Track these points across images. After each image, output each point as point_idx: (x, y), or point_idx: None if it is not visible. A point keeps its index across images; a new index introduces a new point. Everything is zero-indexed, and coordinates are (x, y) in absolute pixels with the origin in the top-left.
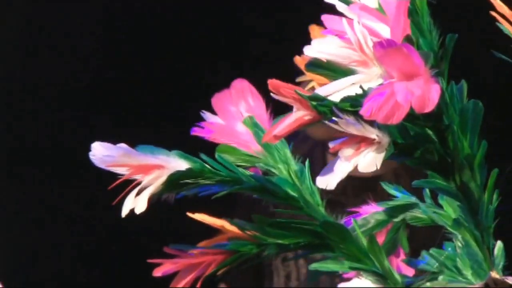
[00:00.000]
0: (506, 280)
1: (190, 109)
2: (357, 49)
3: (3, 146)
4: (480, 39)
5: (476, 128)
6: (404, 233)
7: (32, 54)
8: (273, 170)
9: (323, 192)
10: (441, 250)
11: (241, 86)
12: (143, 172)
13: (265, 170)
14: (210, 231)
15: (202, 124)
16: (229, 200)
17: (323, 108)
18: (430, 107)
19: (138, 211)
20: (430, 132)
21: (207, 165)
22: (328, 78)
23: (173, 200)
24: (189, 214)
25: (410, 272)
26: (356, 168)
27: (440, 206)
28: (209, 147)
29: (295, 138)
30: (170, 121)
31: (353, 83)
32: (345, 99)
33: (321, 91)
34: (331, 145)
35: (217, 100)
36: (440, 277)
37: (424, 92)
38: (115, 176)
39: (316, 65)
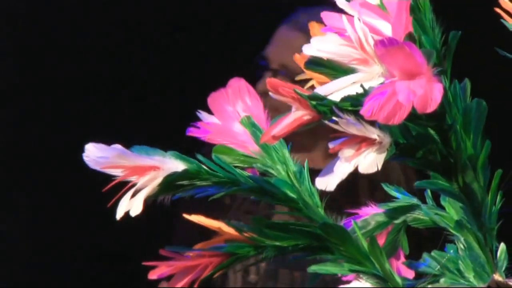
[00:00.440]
0: (509, 282)
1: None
2: (358, 47)
3: None
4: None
5: (480, 128)
6: (404, 235)
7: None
8: (271, 171)
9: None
10: (443, 252)
11: (238, 85)
12: (138, 173)
13: (263, 171)
14: None
15: (198, 124)
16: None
17: (323, 108)
18: (432, 106)
19: (133, 213)
20: (432, 132)
21: (203, 166)
22: (328, 76)
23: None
24: (185, 216)
25: (410, 274)
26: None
27: (442, 208)
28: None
29: None
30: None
31: (353, 82)
32: (345, 99)
33: (320, 90)
34: (330, 145)
35: (213, 99)
36: (442, 280)
37: (426, 91)
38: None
39: (315, 64)
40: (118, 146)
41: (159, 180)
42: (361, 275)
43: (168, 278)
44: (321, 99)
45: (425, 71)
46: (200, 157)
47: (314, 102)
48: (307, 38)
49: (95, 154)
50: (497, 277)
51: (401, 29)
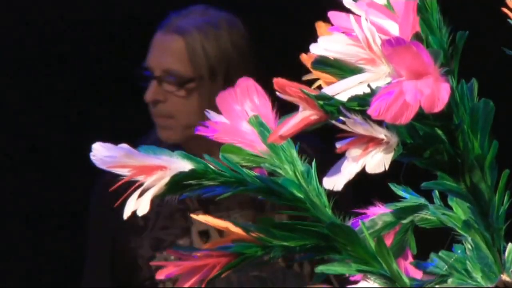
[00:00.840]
0: None
1: None
2: (365, 46)
3: None
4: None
5: (487, 128)
6: (412, 235)
7: None
8: (279, 170)
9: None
10: (451, 253)
11: (246, 85)
12: (145, 173)
13: (270, 170)
14: None
15: (206, 123)
16: None
17: (330, 108)
18: (439, 106)
19: (140, 213)
20: (439, 132)
21: (210, 166)
22: (335, 76)
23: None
24: (193, 216)
25: (418, 274)
26: None
27: (450, 208)
28: None
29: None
30: None
31: (360, 82)
32: (352, 98)
33: (328, 90)
34: (338, 145)
35: (221, 99)
36: (449, 280)
37: (433, 91)
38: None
39: (322, 63)
40: (125, 146)
41: (166, 179)
42: (368, 275)
43: None
44: (328, 99)
45: (432, 71)
46: (207, 157)
47: (321, 102)
48: (184, 38)
49: (102, 153)
50: (505, 277)
51: (408, 29)
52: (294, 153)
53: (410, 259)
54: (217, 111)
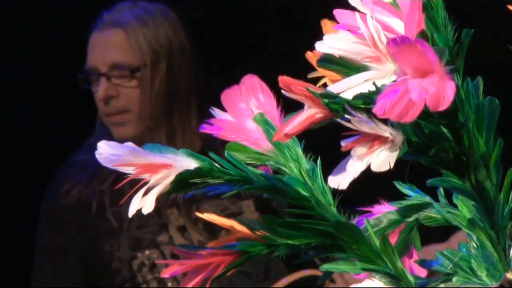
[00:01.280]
0: None
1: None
2: (371, 44)
3: None
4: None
5: (492, 126)
6: (417, 233)
7: None
8: (284, 168)
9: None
10: (455, 251)
11: (251, 82)
12: (151, 171)
13: (275, 168)
14: None
15: (211, 121)
16: None
17: (335, 106)
18: (445, 104)
19: (145, 211)
20: (445, 130)
21: (216, 164)
22: (340, 74)
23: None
24: (198, 214)
25: (423, 273)
26: None
27: (455, 206)
28: None
29: None
30: None
31: (366, 80)
32: (357, 97)
33: (333, 88)
34: (343, 143)
35: (226, 96)
36: (454, 278)
37: (439, 89)
38: None
39: (328, 61)
40: (130, 144)
41: (171, 178)
42: (373, 274)
43: None
44: (334, 97)
45: (437, 69)
46: (212, 155)
47: (326, 100)
48: (123, 30)
49: (107, 151)
50: (510, 275)
51: (413, 27)
52: (299, 151)
53: (415, 257)
54: (161, 97)
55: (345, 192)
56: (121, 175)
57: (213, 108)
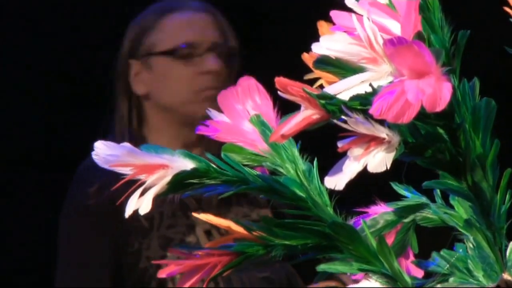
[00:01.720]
0: None
1: None
2: (367, 46)
3: None
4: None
5: (489, 127)
6: (414, 234)
7: None
8: (280, 169)
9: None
10: (452, 252)
11: (248, 84)
12: (147, 172)
13: (272, 169)
14: None
15: (208, 122)
16: None
17: (332, 107)
18: (441, 105)
19: (142, 212)
20: (441, 131)
21: (212, 165)
22: (337, 75)
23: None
24: (194, 214)
25: (419, 273)
26: None
27: (451, 207)
28: None
29: None
30: None
31: (362, 81)
32: (354, 98)
33: (329, 89)
34: (339, 144)
35: (223, 97)
36: (451, 279)
37: (435, 90)
38: None
39: (324, 63)
40: (127, 145)
41: (168, 178)
42: (370, 274)
43: None
44: (330, 98)
45: (434, 70)
46: (209, 155)
47: (323, 101)
48: (214, 16)
49: (104, 152)
50: (506, 276)
51: (410, 28)
52: (296, 152)
53: (412, 258)
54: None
55: (342, 192)
56: None
57: (209, 109)
